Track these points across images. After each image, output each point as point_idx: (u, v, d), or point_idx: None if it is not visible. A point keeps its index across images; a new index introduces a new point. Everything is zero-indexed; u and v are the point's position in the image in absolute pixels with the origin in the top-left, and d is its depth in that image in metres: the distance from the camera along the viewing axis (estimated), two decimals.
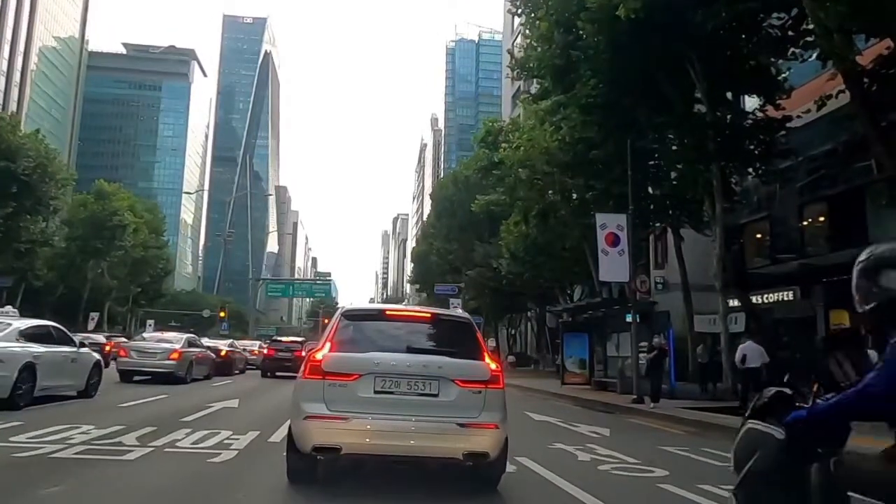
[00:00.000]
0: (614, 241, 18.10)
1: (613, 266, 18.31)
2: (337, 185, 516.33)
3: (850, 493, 2.28)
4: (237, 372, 24.74)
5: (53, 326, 12.07)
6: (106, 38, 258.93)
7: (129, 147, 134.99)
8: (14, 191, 39.28)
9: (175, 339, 19.00)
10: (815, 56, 14.24)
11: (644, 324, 18.74)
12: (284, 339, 28.88)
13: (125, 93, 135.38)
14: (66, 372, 11.44)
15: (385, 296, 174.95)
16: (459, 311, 8.80)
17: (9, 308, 17.22)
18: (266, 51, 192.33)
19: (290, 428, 5.35)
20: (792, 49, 15.43)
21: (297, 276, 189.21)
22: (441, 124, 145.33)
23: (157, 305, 69.53)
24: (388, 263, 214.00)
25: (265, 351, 26.10)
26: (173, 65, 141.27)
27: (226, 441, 7.42)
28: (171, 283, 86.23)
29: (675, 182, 19.38)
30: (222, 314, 58.27)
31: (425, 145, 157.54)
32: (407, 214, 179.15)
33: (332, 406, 4.90)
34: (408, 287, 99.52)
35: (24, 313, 16.19)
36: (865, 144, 13.85)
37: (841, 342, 2.46)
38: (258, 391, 16.87)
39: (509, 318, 52.01)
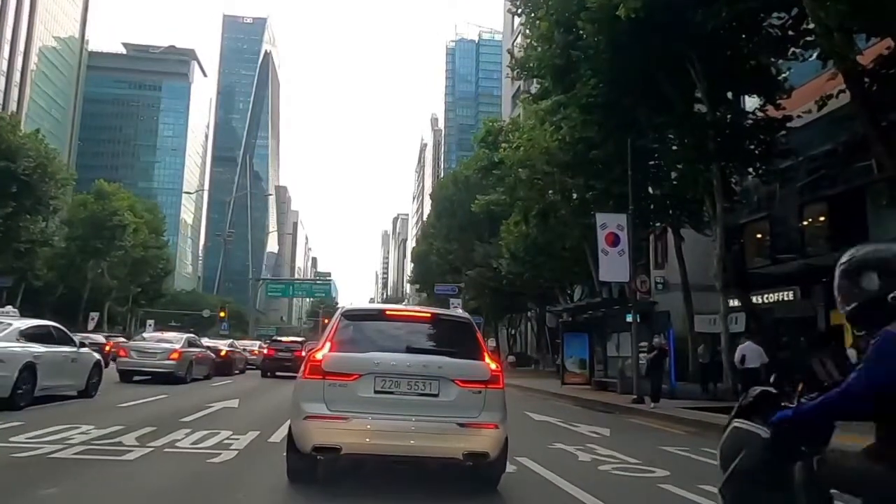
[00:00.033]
0: (614, 240, 18.09)
1: (613, 266, 18.30)
2: (337, 185, 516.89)
3: (832, 491, 2.35)
4: (237, 372, 24.73)
5: (54, 326, 12.06)
6: (106, 38, 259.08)
7: (129, 147, 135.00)
8: (14, 191, 39.28)
9: (175, 339, 18.99)
10: (815, 56, 14.24)
11: (644, 324, 18.73)
12: (284, 339, 28.88)
13: (125, 93, 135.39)
14: (66, 372, 11.44)
15: (385, 296, 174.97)
16: (459, 311, 8.80)
17: (9, 308, 17.21)
18: (266, 51, 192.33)
19: (290, 428, 5.35)
20: (792, 49, 15.42)
21: (297, 276, 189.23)
22: (441, 124, 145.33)
23: (157, 305, 69.53)
24: (388, 263, 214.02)
25: (265, 351, 26.09)
26: (173, 65, 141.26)
27: (226, 441, 7.41)
28: (171, 283, 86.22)
29: (675, 182, 19.37)
30: (222, 314, 58.29)
31: (425, 145, 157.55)
32: (407, 214, 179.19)
33: (332, 406, 4.90)
34: (408, 287, 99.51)
35: (24, 313, 16.18)
36: (866, 144, 13.85)
37: (824, 342, 2.53)
38: (258, 391, 16.86)
39: (509, 318, 52.00)
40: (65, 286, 53.77)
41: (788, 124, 16.70)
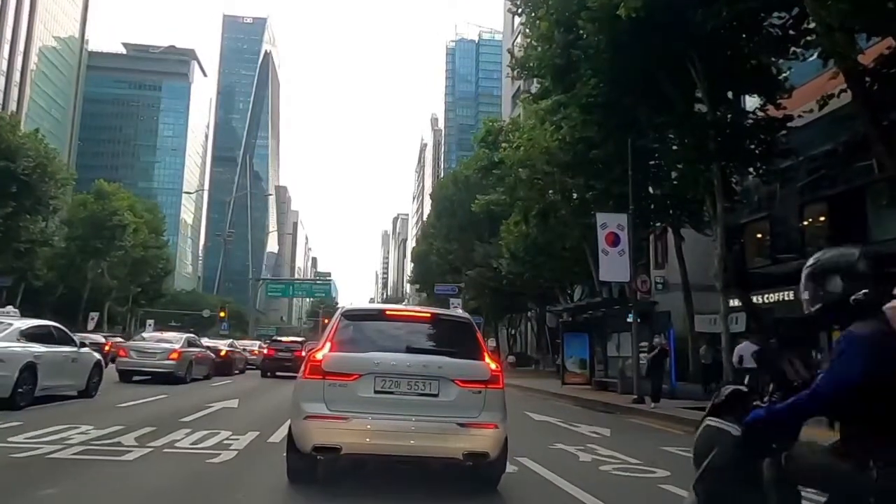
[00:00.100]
0: (615, 240, 18.07)
1: (614, 266, 18.28)
2: (337, 185, 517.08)
3: (800, 487, 2.48)
4: (237, 372, 24.73)
5: (54, 326, 12.06)
6: (106, 38, 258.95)
7: (129, 147, 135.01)
8: (14, 190, 39.22)
9: (175, 339, 18.98)
10: (816, 55, 14.20)
11: (645, 324, 18.71)
12: (284, 339, 28.88)
13: (125, 93, 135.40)
14: (66, 372, 11.43)
15: (385, 296, 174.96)
16: (459, 311, 8.80)
17: (10, 308, 17.19)
18: (266, 51, 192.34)
19: (290, 428, 5.35)
20: (793, 48, 15.39)
21: (297, 276, 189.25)
22: (441, 124, 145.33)
23: (157, 305, 69.50)
24: (388, 263, 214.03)
25: (265, 351, 26.09)
26: (173, 65, 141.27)
27: (225, 441, 7.40)
28: (171, 283, 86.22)
29: (675, 182, 19.34)
30: (222, 314, 58.32)
31: (425, 145, 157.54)
32: (407, 214, 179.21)
33: (332, 406, 4.89)
34: (408, 287, 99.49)
35: (24, 313, 16.16)
36: (866, 144, 13.82)
37: (792, 343, 2.63)
38: (258, 391, 16.85)
39: (509, 318, 51.98)
40: (65, 286, 53.75)
41: (789, 124, 16.67)
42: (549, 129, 21.42)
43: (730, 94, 17.79)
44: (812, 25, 13.38)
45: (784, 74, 16.81)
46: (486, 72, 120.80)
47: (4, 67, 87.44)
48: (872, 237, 16.16)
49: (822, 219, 19.07)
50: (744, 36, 15.88)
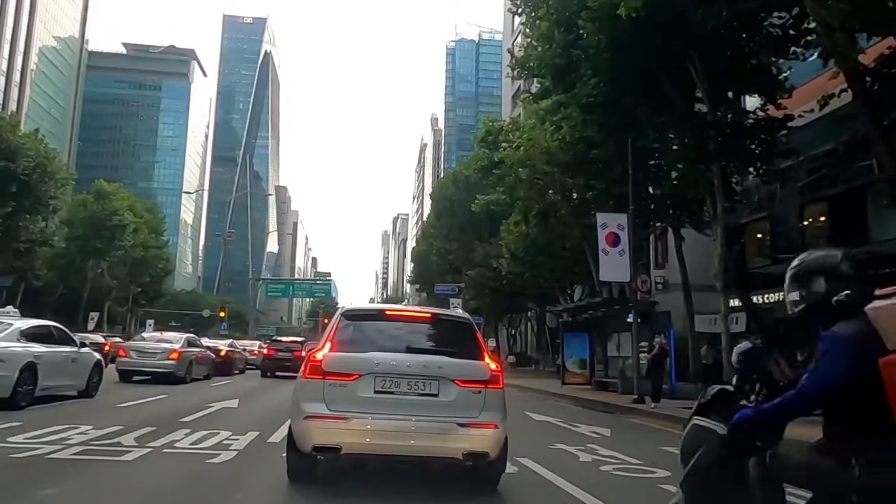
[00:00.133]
0: (615, 240, 18.06)
1: (614, 266, 18.27)
2: (337, 185, 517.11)
3: (784, 485, 2.53)
4: (237, 372, 24.72)
5: (54, 326, 12.06)
6: (106, 38, 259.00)
7: (129, 147, 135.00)
8: (14, 190, 39.20)
9: (175, 339, 18.98)
10: (816, 55, 14.19)
11: (645, 324, 18.71)
12: (284, 339, 28.88)
13: (125, 93, 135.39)
14: (66, 372, 11.43)
15: (385, 296, 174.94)
16: (459, 311, 8.80)
17: (10, 308, 17.17)
18: (266, 51, 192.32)
19: (290, 428, 5.35)
20: (793, 48, 15.37)
21: (297, 276, 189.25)
22: (441, 124, 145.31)
23: (157, 305, 69.50)
24: (388, 263, 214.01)
25: (265, 351, 26.09)
26: (173, 65, 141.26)
27: (225, 441, 7.39)
28: (171, 283, 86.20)
29: (675, 182, 19.32)
30: (222, 314, 58.33)
31: (425, 145, 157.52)
32: (407, 214, 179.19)
33: (332, 406, 4.90)
34: (408, 287, 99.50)
35: (23, 313, 16.14)
36: (867, 144, 13.81)
37: (777, 343, 2.67)
38: (258, 391, 16.84)
39: (509, 318, 51.96)
40: (65, 286, 53.74)
41: (789, 124, 16.66)
42: (550, 129, 21.41)
43: (730, 94, 17.77)
44: (812, 25, 13.37)
45: (784, 74, 16.79)
46: (486, 72, 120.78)
47: (4, 67, 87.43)
48: (873, 237, 16.16)
49: (822, 219, 19.06)
50: (744, 36, 15.87)
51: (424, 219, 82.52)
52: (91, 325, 46.42)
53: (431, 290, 51.23)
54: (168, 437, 7.46)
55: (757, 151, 17.41)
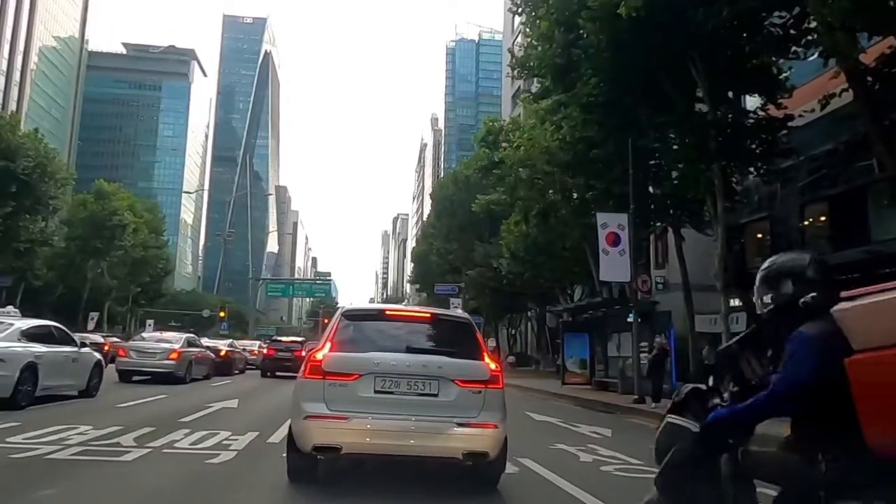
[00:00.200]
0: (615, 240, 18.05)
1: (614, 266, 18.26)
2: (337, 185, 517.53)
3: (755, 480, 2.63)
4: (237, 372, 24.71)
5: (55, 326, 12.05)
6: (106, 38, 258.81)
7: (129, 147, 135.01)
8: (13, 190, 39.21)
9: (174, 339, 18.97)
10: (817, 54, 14.17)
11: (645, 324, 18.70)
12: (284, 339, 28.86)
13: (125, 93, 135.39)
14: (67, 372, 11.43)
15: (385, 296, 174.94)
16: (459, 311, 8.81)
17: (10, 308, 17.18)
18: (266, 51, 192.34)
19: (290, 427, 5.35)
20: (794, 48, 15.35)
21: (297, 276, 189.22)
22: (441, 124, 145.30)
23: (157, 305, 69.51)
24: (388, 263, 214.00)
25: (265, 351, 26.07)
26: (173, 65, 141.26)
27: (224, 442, 7.38)
28: (171, 283, 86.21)
29: (676, 181, 19.30)
30: (222, 314, 58.34)
31: (425, 145, 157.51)
32: (407, 214, 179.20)
33: (332, 406, 4.90)
34: (408, 287, 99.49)
35: (23, 313, 16.16)
36: (867, 144, 13.78)
37: (749, 343, 2.81)
38: (258, 391, 16.83)
39: (509, 318, 51.93)
40: (64, 286, 53.74)
41: (790, 123, 16.64)
42: (550, 129, 21.39)
43: (730, 94, 17.75)
44: (813, 25, 13.35)
45: (785, 74, 16.77)
46: (486, 72, 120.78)
47: (4, 67, 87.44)
48: (873, 237, 16.13)
49: (822, 219, 19.04)
50: (744, 35, 15.85)
51: (424, 219, 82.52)
52: (91, 325, 46.41)
53: (431, 290, 51.21)
54: (168, 437, 7.44)
55: (757, 151, 17.39)
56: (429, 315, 6.09)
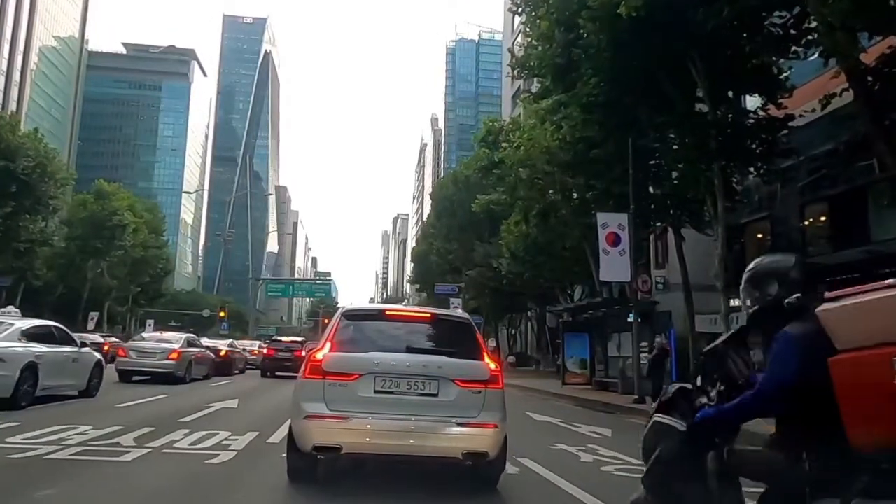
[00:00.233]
0: (615, 240, 18.03)
1: (614, 266, 18.24)
2: (337, 185, 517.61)
3: (741, 478, 2.67)
4: (237, 372, 24.70)
5: (55, 326, 12.05)
6: (106, 38, 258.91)
7: (129, 147, 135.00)
8: (13, 190, 39.18)
9: (174, 339, 18.96)
10: (817, 54, 14.17)
11: (645, 324, 18.69)
12: (284, 339, 28.84)
13: (125, 93, 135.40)
14: (67, 372, 11.43)
15: (385, 296, 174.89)
16: (459, 311, 8.81)
17: (10, 308, 17.18)
18: (266, 51, 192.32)
19: (290, 427, 5.35)
20: (794, 47, 15.34)
21: (297, 276, 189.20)
22: (441, 124, 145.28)
23: (157, 305, 69.48)
24: (388, 263, 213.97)
25: (265, 351, 26.06)
26: (173, 65, 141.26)
27: (224, 442, 7.37)
28: (171, 283, 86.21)
29: (676, 181, 19.29)
30: (222, 314, 58.34)
31: (425, 145, 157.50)
32: (407, 214, 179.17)
33: (332, 406, 4.90)
34: (408, 287, 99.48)
35: (24, 313, 16.13)
36: (868, 143, 13.78)
37: (735, 343, 2.85)
38: (258, 391, 16.82)
39: (509, 318, 51.92)
40: (64, 286, 53.73)
41: (790, 123, 16.64)
42: (550, 129, 21.38)
43: (731, 94, 17.74)
44: (813, 24, 13.34)
45: (785, 74, 16.76)
46: (486, 72, 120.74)
47: (4, 67, 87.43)
48: (873, 237, 16.14)
49: (823, 218, 19.04)
50: (745, 35, 15.83)
51: (424, 219, 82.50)
52: (91, 325, 46.40)
53: (431, 290, 51.20)
54: (167, 437, 7.44)
55: (758, 151, 17.38)
56: (429, 315, 6.09)
